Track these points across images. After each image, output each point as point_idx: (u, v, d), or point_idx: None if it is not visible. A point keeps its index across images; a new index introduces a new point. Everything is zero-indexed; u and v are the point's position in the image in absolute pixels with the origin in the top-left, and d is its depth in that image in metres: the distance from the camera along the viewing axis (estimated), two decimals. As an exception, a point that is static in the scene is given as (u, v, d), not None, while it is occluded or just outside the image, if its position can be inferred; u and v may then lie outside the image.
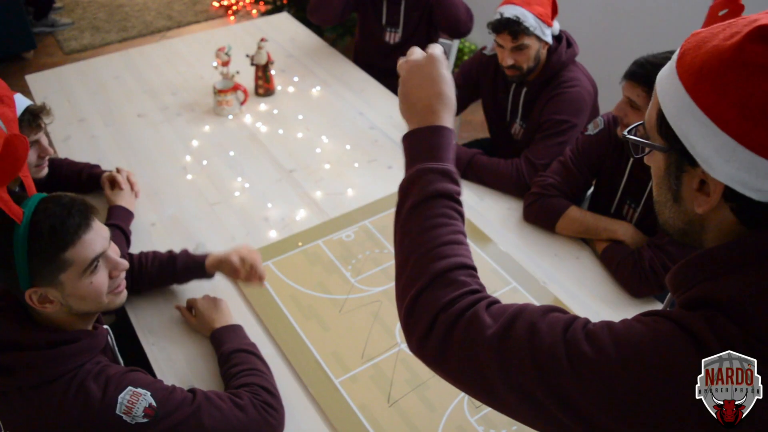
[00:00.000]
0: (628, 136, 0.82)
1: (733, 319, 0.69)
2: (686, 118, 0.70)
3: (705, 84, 0.68)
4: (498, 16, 1.99)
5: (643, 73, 1.56)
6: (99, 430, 1.11)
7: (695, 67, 0.70)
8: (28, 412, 1.11)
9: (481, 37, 4.19)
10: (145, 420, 1.13)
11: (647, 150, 0.80)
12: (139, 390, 1.15)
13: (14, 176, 1.06)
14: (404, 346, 1.54)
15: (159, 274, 1.60)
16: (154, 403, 1.15)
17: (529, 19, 1.96)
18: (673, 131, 0.72)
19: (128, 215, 1.83)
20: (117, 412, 1.11)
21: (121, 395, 1.13)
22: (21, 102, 1.55)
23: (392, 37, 2.76)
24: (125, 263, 1.22)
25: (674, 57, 0.74)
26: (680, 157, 0.73)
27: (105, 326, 1.30)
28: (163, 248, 1.79)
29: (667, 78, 0.74)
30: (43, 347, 1.12)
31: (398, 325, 1.59)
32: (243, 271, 1.54)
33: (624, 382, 0.70)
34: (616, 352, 0.71)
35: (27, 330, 1.13)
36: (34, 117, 1.55)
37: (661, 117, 0.74)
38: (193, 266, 1.59)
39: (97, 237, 1.14)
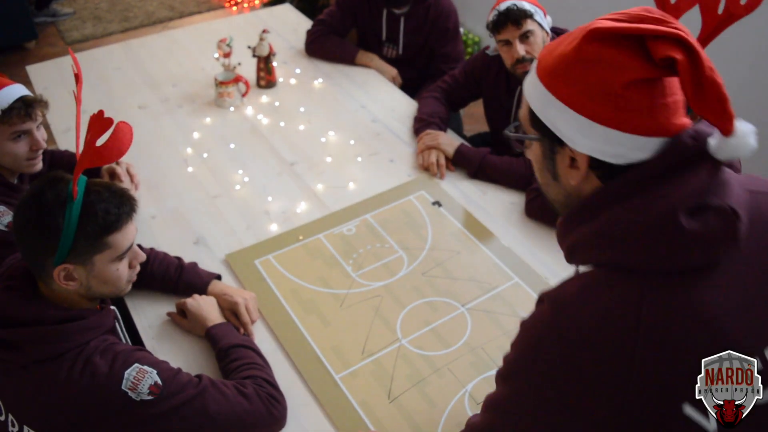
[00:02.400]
0: (509, 133, 0.99)
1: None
2: (550, 110, 0.88)
3: (558, 80, 0.87)
4: (495, 15, 1.97)
5: None
6: (104, 404, 1.12)
7: (549, 69, 0.88)
8: (33, 388, 1.11)
9: (485, 29, 4.15)
10: (150, 398, 1.14)
11: (527, 144, 0.98)
12: (146, 368, 1.16)
13: (114, 159, 1.17)
14: (405, 341, 1.53)
15: (161, 280, 1.59)
16: (159, 382, 1.16)
17: (526, 4, 1.94)
18: (542, 122, 0.90)
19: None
20: (122, 387, 1.12)
21: (128, 371, 1.14)
22: (15, 91, 1.53)
23: (390, 52, 2.75)
24: (144, 255, 1.30)
25: (533, 66, 0.93)
26: (551, 142, 0.91)
27: (112, 307, 1.31)
28: (163, 241, 1.79)
29: (530, 83, 0.92)
30: (50, 323, 1.13)
31: (399, 321, 1.59)
32: (243, 318, 1.53)
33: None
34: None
35: (35, 307, 1.15)
36: (26, 106, 1.53)
37: (531, 113, 0.92)
38: (196, 286, 1.59)
39: (133, 229, 1.22)
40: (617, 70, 0.82)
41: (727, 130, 0.80)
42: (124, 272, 1.23)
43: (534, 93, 0.90)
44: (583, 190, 0.92)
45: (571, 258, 0.95)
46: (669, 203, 0.81)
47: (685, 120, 0.85)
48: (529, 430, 0.92)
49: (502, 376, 0.97)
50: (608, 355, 0.81)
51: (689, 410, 0.80)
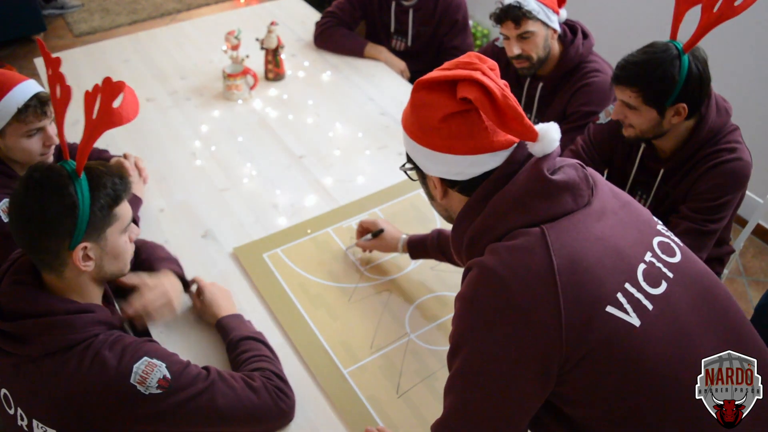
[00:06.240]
0: (402, 169, 1.18)
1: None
2: (409, 146, 1.11)
3: (407, 123, 1.09)
4: (497, 8, 1.98)
5: (627, 75, 1.58)
6: (112, 398, 1.12)
7: (404, 117, 1.11)
8: (42, 382, 1.11)
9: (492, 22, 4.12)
10: (159, 391, 1.14)
11: (416, 176, 1.18)
12: (155, 361, 1.16)
13: (130, 119, 1.17)
14: (414, 336, 1.53)
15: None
16: (168, 375, 1.16)
17: (531, 3, 1.93)
18: (410, 156, 1.13)
19: (137, 201, 1.82)
20: (131, 381, 1.12)
21: (137, 364, 1.14)
22: (30, 88, 1.53)
23: (399, 44, 2.74)
24: (138, 229, 1.33)
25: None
26: (420, 172, 1.14)
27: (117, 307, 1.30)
28: (171, 235, 1.79)
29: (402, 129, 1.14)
30: (58, 314, 1.13)
31: (408, 315, 1.58)
32: (134, 305, 1.45)
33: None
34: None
35: (44, 299, 1.15)
36: (41, 104, 1.54)
37: (407, 152, 1.14)
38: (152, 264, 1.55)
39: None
40: (434, 108, 1.03)
41: (532, 138, 1.00)
42: (129, 246, 1.25)
43: (403, 136, 1.13)
44: (454, 205, 1.13)
45: (471, 256, 1.07)
46: (535, 171, 1.01)
47: (508, 136, 1.03)
48: (489, 394, 0.99)
49: (451, 353, 1.05)
50: (534, 278, 0.95)
51: (612, 310, 0.95)
